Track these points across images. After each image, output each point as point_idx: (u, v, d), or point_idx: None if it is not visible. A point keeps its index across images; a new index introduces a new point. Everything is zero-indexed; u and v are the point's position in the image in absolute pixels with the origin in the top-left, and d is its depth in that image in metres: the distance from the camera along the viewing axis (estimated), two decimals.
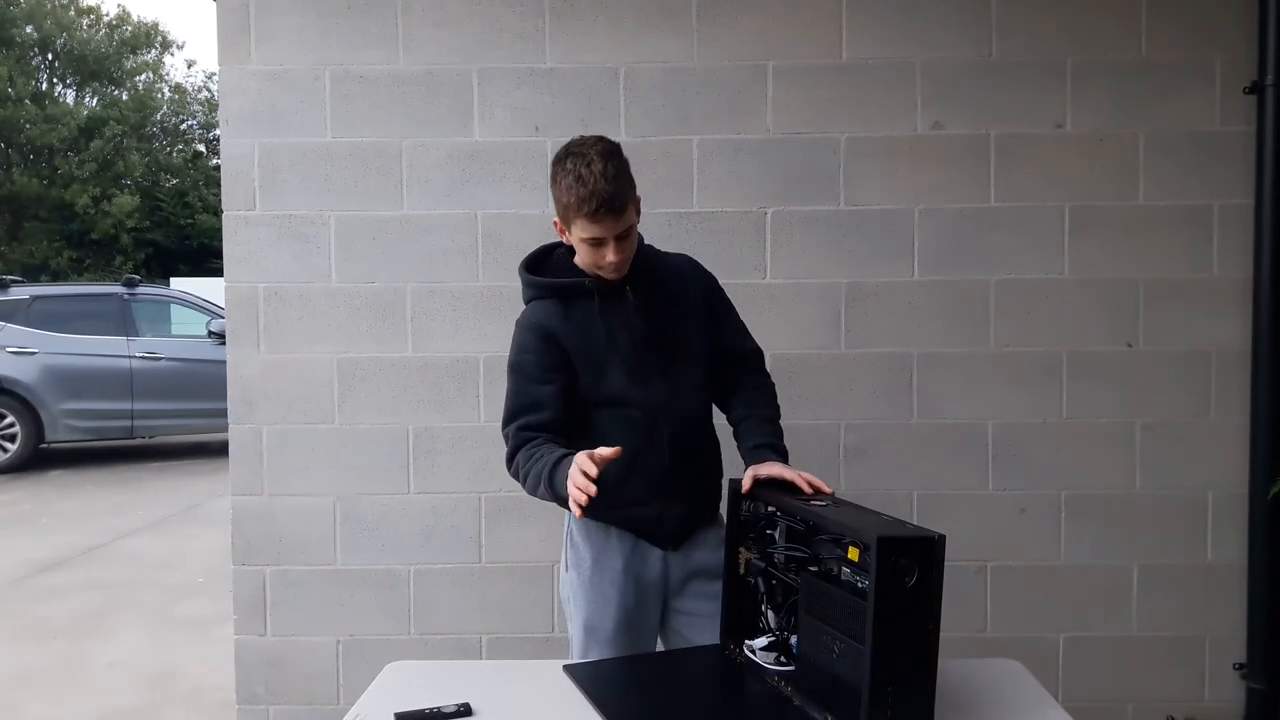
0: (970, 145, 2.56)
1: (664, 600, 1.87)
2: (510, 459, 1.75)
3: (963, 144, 2.56)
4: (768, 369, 1.97)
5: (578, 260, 1.78)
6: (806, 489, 1.63)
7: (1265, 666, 2.53)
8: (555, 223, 1.76)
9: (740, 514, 1.74)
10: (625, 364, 1.76)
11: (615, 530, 1.83)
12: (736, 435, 1.85)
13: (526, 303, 1.84)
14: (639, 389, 1.77)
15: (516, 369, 1.77)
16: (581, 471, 1.49)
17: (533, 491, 1.70)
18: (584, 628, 1.85)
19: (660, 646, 1.92)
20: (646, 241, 1.85)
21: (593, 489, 1.47)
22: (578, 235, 1.69)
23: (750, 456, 1.78)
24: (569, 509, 1.54)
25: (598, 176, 1.62)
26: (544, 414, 1.73)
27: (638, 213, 1.75)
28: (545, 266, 1.85)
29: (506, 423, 1.77)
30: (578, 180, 1.63)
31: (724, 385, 1.89)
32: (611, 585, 1.82)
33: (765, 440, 1.79)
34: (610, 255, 1.69)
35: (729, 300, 1.93)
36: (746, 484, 1.69)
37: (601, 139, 1.70)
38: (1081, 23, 2.54)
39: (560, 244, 1.85)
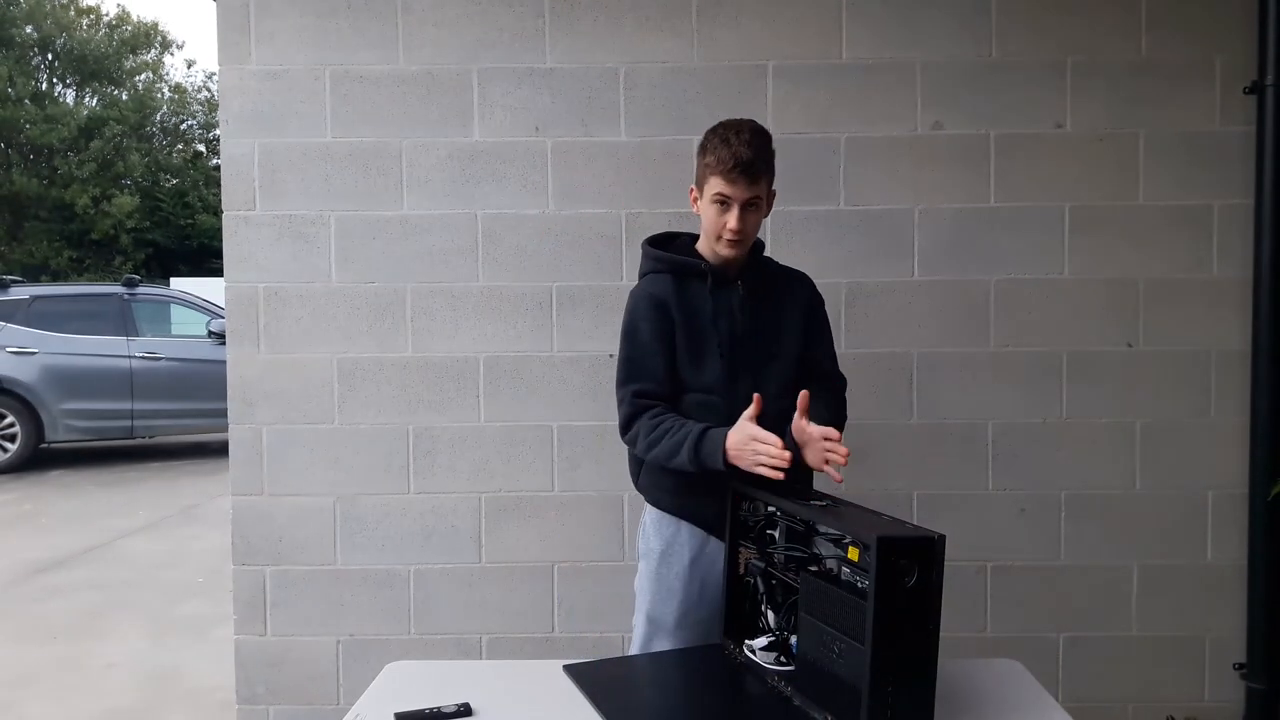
0: (970, 145, 2.56)
1: None
2: (628, 424, 1.83)
3: (963, 144, 2.56)
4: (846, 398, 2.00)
5: (701, 237, 1.88)
6: (834, 433, 1.64)
7: (1265, 666, 2.53)
8: (691, 190, 1.88)
9: (740, 514, 1.74)
10: (722, 352, 1.83)
11: (686, 524, 1.87)
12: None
13: (642, 276, 1.94)
14: (729, 381, 1.82)
15: (631, 335, 1.85)
16: (763, 443, 1.58)
17: (666, 460, 1.76)
18: (647, 617, 1.90)
19: None
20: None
21: (788, 455, 1.56)
22: (709, 194, 1.80)
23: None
24: (705, 475, 1.69)
25: (745, 143, 1.75)
26: (659, 385, 1.82)
27: (769, 201, 1.85)
28: (667, 247, 1.94)
29: (621, 385, 1.85)
30: (723, 142, 1.77)
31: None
32: (677, 579, 1.86)
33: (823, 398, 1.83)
34: (732, 221, 1.78)
35: (830, 327, 2.00)
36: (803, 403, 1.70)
37: (755, 121, 1.82)
38: (1081, 23, 2.54)
39: (681, 235, 1.98)
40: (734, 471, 1.66)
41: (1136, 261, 2.56)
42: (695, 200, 1.87)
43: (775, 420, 1.80)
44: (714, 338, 1.83)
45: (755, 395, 1.66)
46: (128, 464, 8.37)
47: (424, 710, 1.49)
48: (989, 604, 2.61)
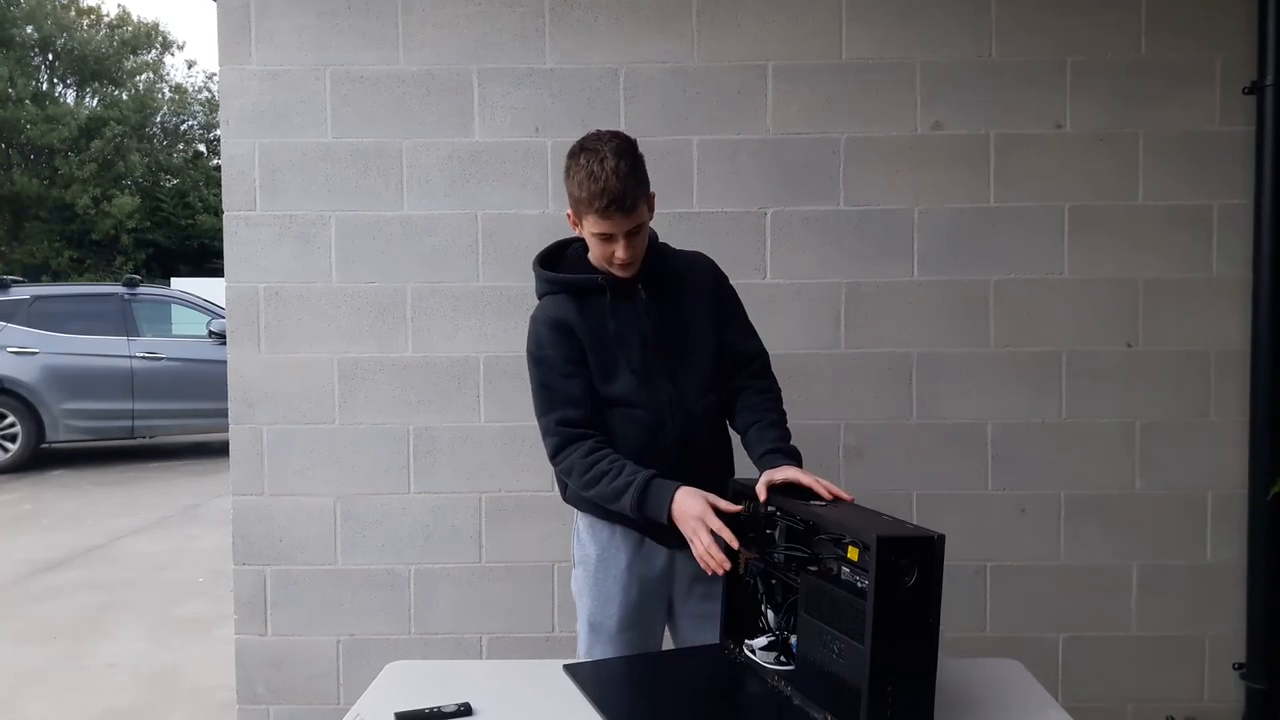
0: (970, 145, 2.56)
1: (669, 599, 1.88)
2: (556, 453, 1.77)
3: (963, 144, 2.56)
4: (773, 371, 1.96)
5: (590, 255, 1.79)
6: (824, 494, 1.59)
7: (1265, 666, 2.53)
8: (569, 214, 1.76)
9: (740, 514, 1.73)
10: (633, 365, 1.78)
11: (620, 528, 1.83)
12: (745, 443, 1.84)
13: (540, 297, 1.85)
14: (646, 390, 1.78)
15: (541, 363, 1.79)
16: (710, 535, 1.57)
17: (606, 503, 1.72)
18: (588, 624, 1.86)
19: (670, 645, 1.92)
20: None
21: (727, 564, 1.57)
22: (589, 230, 1.71)
23: (763, 463, 1.76)
24: (630, 526, 1.69)
25: (610, 173, 1.63)
26: (580, 409, 1.76)
27: (650, 210, 1.76)
28: (559, 262, 1.86)
29: (543, 414, 1.79)
30: (589, 176, 1.64)
31: (729, 388, 1.88)
32: (615, 582, 1.83)
33: (774, 445, 1.77)
34: (620, 252, 1.70)
35: (739, 300, 1.92)
36: (762, 493, 1.63)
37: (617, 135, 1.71)
38: (1081, 23, 2.54)
39: (575, 240, 1.86)
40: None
41: (1136, 261, 2.56)
42: (575, 225, 1.76)
43: (700, 419, 1.82)
44: (622, 353, 1.77)
45: (759, 496, 1.60)
46: (128, 464, 8.38)
47: (424, 710, 1.49)
48: (989, 604, 2.61)
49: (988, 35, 2.55)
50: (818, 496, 1.61)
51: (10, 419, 7.96)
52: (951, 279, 2.57)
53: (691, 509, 1.61)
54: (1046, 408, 2.58)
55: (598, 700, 1.52)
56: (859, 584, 1.38)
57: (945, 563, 1.35)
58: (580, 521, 1.90)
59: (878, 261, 2.57)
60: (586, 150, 1.68)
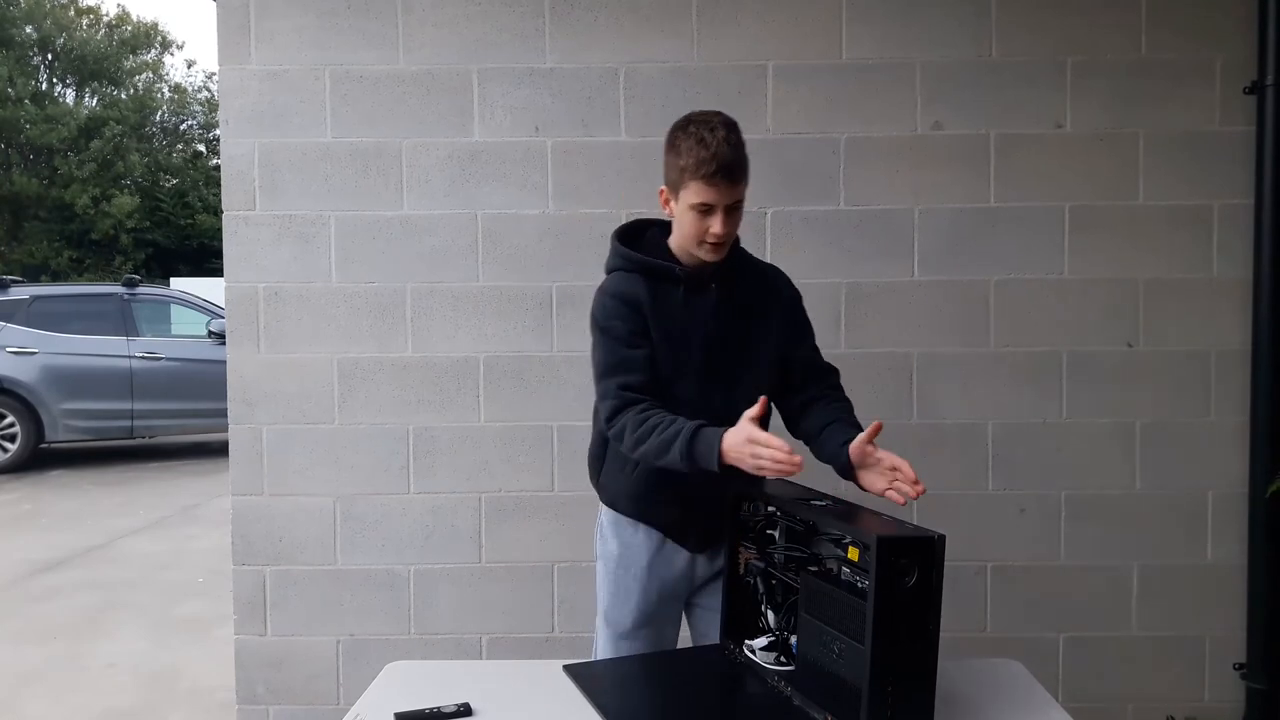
0: (970, 145, 2.56)
1: (687, 599, 1.88)
2: (613, 416, 1.71)
3: (963, 144, 2.56)
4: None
5: (676, 237, 1.76)
6: (909, 473, 1.59)
7: (1265, 666, 2.53)
8: (661, 191, 1.74)
9: (740, 514, 1.74)
10: (692, 361, 1.74)
11: (644, 527, 1.83)
12: (819, 440, 1.77)
13: (608, 272, 1.82)
14: (699, 392, 1.74)
15: (606, 331, 1.73)
16: (765, 445, 1.50)
17: (655, 458, 1.65)
18: (604, 619, 1.87)
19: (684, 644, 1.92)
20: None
21: (799, 460, 1.48)
22: (687, 201, 1.66)
23: (842, 435, 1.72)
24: (685, 472, 1.60)
25: (721, 141, 1.62)
26: (641, 375, 1.71)
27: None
28: (637, 243, 1.81)
29: (603, 378, 1.73)
30: (699, 142, 1.62)
31: (802, 398, 1.83)
32: (634, 581, 1.83)
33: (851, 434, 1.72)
34: (716, 226, 1.65)
35: (809, 319, 1.90)
36: (868, 435, 1.61)
37: (722, 113, 1.69)
38: (1081, 23, 2.54)
39: (653, 224, 1.84)
40: (728, 471, 1.58)
41: (1136, 261, 2.56)
42: (666, 202, 1.73)
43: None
44: (683, 348, 1.74)
45: (761, 398, 1.59)
46: (128, 464, 8.38)
47: (424, 710, 1.49)
48: (989, 604, 2.61)
49: (988, 35, 2.55)
50: (817, 495, 1.61)
51: (10, 419, 7.95)
52: (951, 279, 2.57)
53: (736, 441, 1.55)
54: (1046, 408, 2.58)
55: (597, 700, 1.52)
56: (859, 584, 1.38)
57: (945, 563, 1.35)
58: (604, 516, 1.89)
59: (878, 261, 2.57)
60: (695, 122, 1.66)
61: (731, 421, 1.61)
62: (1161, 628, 2.60)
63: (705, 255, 1.71)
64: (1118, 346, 2.58)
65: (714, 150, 1.61)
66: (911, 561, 1.33)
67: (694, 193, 1.65)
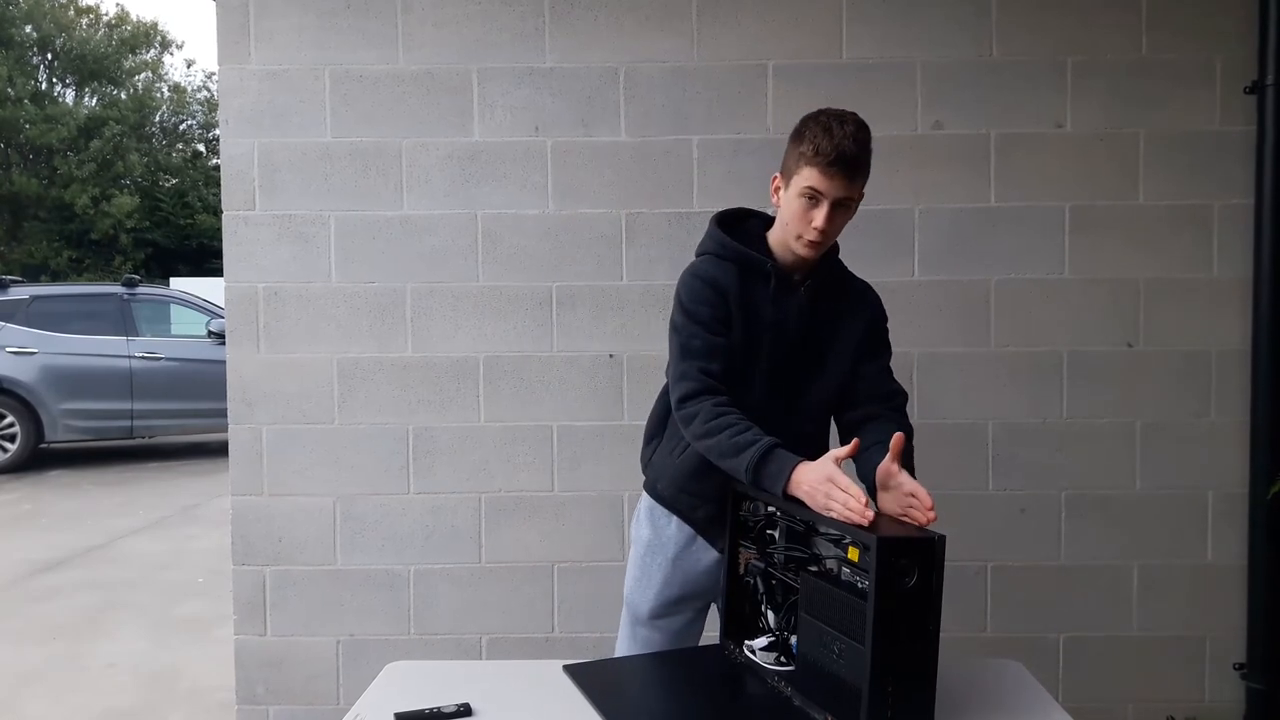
0: (970, 145, 2.56)
1: (712, 594, 1.88)
2: (690, 397, 1.66)
3: (963, 144, 2.56)
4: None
5: (777, 229, 1.73)
6: (926, 500, 1.49)
7: (1265, 666, 2.53)
8: (774, 178, 1.72)
9: (740, 514, 1.74)
10: (765, 364, 1.73)
11: (677, 520, 1.84)
12: (863, 457, 1.64)
13: (699, 254, 1.79)
14: (765, 394, 1.73)
15: (692, 315, 1.70)
16: (843, 491, 1.44)
17: (717, 456, 1.62)
18: (626, 601, 1.90)
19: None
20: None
21: (871, 514, 1.40)
22: (798, 186, 1.64)
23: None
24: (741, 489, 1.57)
25: (848, 135, 1.60)
26: (721, 364, 1.68)
27: (857, 204, 1.70)
28: (736, 231, 1.78)
29: (683, 359, 1.69)
30: (825, 131, 1.60)
31: (854, 415, 1.78)
32: (659, 569, 1.85)
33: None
34: (820, 218, 1.63)
35: (889, 342, 1.86)
36: (895, 445, 1.52)
37: (857, 114, 1.67)
38: (1081, 23, 2.54)
39: (754, 215, 1.82)
40: (787, 498, 1.52)
41: (1136, 261, 2.56)
42: (777, 190, 1.71)
43: (810, 440, 1.74)
44: (761, 347, 1.71)
45: (855, 439, 1.54)
46: (127, 464, 8.37)
47: (424, 710, 1.49)
48: (989, 604, 2.61)
49: (988, 35, 2.55)
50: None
51: (9, 419, 7.95)
52: (951, 279, 2.57)
53: (814, 477, 1.49)
54: (1046, 408, 2.58)
55: (597, 700, 1.52)
56: (859, 585, 1.38)
57: (945, 563, 1.35)
58: (642, 502, 1.91)
59: (878, 261, 2.56)
60: (828, 113, 1.64)
61: (787, 432, 1.59)
62: (1162, 628, 2.60)
63: (802, 250, 1.68)
64: (1118, 346, 2.58)
65: (838, 140, 1.59)
66: (912, 562, 1.33)
67: (806, 177, 1.62)
